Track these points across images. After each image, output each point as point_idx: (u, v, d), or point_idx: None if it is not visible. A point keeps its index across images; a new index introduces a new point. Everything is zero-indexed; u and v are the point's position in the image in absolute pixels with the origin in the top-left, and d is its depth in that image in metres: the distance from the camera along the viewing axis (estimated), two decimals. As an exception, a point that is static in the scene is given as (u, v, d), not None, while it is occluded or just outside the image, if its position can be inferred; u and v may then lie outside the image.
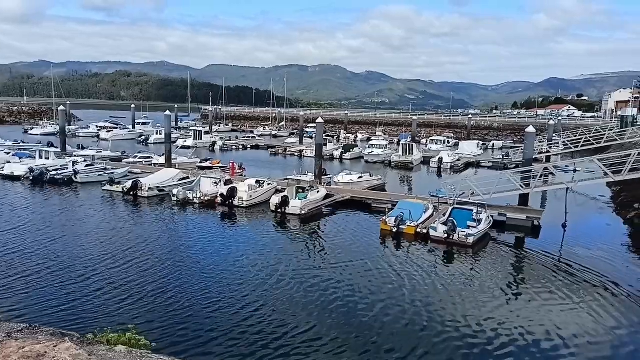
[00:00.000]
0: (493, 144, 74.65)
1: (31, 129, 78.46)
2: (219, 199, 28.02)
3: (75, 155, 40.74)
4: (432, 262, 19.44)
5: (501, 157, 54.94)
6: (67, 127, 59.23)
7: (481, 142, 69.05)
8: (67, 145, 47.07)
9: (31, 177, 33.60)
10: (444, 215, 23.85)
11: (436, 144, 66.00)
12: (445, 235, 21.50)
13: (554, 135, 56.96)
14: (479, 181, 27.98)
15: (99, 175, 34.47)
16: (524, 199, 26.49)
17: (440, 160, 49.32)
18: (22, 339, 4.22)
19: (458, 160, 51.48)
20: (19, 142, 53.75)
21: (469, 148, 59.03)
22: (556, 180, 28.86)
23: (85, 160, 37.03)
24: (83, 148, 48.29)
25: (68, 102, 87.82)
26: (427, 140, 70.94)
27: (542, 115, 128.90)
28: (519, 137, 78.72)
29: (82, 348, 4.11)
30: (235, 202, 27.72)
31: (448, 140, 70.36)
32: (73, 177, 33.91)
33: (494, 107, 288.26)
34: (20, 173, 34.66)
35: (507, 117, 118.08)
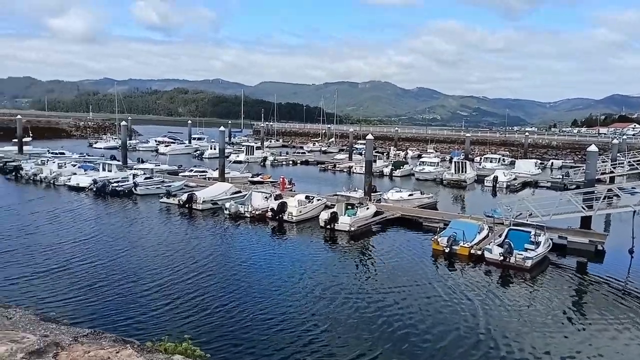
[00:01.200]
0: (552, 163, 71.47)
1: (95, 143, 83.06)
2: (269, 214, 28.39)
3: (135, 169, 42.35)
4: (486, 286, 18.68)
5: (561, 177, 52.48)
6: (128, 142, 62.16)
7: (539, 161, 66.22)
8: (128, 159, 49.34)
9: (94, 189, 35.41)
10: (500, 236, 22.93)
11: (491, 162, 63.99)
12: (501, 258, 20.64)
13: (618, 154, 53.83)
14: (537, 202, 26.82)
15: (157, 187, 35.80)
16: (586, 222, 25.11)
17: (496, 179, 47.79)
18: (87, 344, 4.37)
19: (514, 179, 49.68)
20: (84, 155, 56.75)
21: (526, 167, 56.80)
22: (622, 202, 27.13)
23: (144, 173, 38.57)
24: (143, 161, 50.24)
25: (129, 118, 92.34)
26: (480, 158, 68.95)
27: (605, 134, 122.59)
28: (579, 156, 75.14)
29: (142, 355, 4.20)
30: (285, 217, 27.97)
31: (503, 159, 68.01)
32: (133, 189, 35.43)
33: (552, 124, 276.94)
34: (84, 184, 36.66)
35: (566, 135, 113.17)
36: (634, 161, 50.30)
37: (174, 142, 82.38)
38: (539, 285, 19.10)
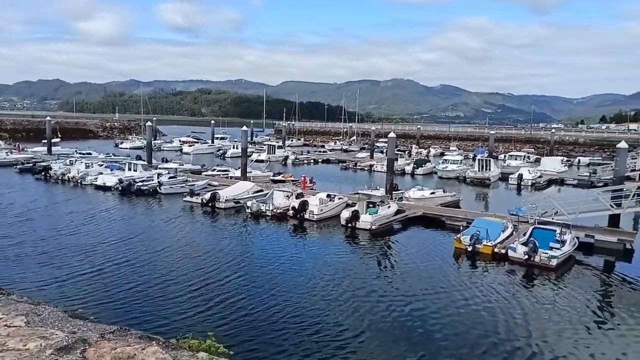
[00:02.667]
0: (579, 160, 69.81)
1: (121, 143, 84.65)
2: (290, 212, 28.53)
3: (159, 168, 42.88)
4: (511, 285, 18.41)
5: (588, 174, 51.19)
6: (153, 142, 63.23)
7: (565, 159, 64.67)
8: (152, 159, 50.19)
9: (120, 188, 36.12)
10: (524, 235, 22.55)
11: (515, 159, 62.94)
12: (526, 257, 20.30)
13: (649, 151, 52.29)
14: (563, 200, 26.29)
15: (181, 187, 36.27)
16: (614, 220, 24.50)
17: (520, 176, 46.95)
18: (114, 340, 4.50)
19: (540, 177, 48.70)
20: (111, 155, 57.77)
21: (552, 164, 55.62)
22: (653, 200, 26.40)
23: (168, 173, 39.15)
24: (167, 161, 50.85)
25: (154, 118, 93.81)
26: (505, 156, 67.86)
27: (635, 130, 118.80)
28: (608, 153, 73.08)
29: (167, 352, 4.30)
30: (306, 216, 28.07)
31: (528, 156, 66.87)
32: (158, 188, 36.01)
33: (580, 121, 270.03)
34: (111, 184, 37.44)
35: (594, 131, 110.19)
36: (665, 157, 48.75)
37: (197, 142, 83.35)
38: (564, 284, 18.73)
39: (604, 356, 12.79)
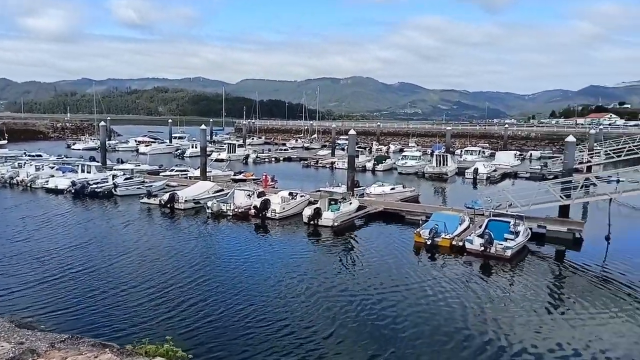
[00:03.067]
0: (531, 154, 72.70)
1: (74, 144, 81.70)
2: (252, 211, 28.31)
3: (115, 169, 41.84)
4: (468, 276, 18.96)
5: (539, 167, 53.43)
6: (107, 142, 61.35)
7: (518, 153, 67.35)
8: (107, 160, 48.67)
9: (73, 191, 34.82)
10: (480, 227, 23.27)
11: (471, 154, 64.80)
12: (482, 248, 20.96)
13: (595, 144, 55.01)
14: (516, 192, 27.29)
15: (137, 188, 35.39)
16: (564, 211, 25.63)
17: (476, 171, 48.39)
18: (64, 349, 4.33)
19: (494, 170, 50.37)
20: (62, 156, 55.69)
21: (506, 158, 57.67)
22: (598, 190, 27.82)
23: (124, 174, 38.11)
24: (122, 162, 49.55)
25: (109, 118, 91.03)
26: (461, 151, 69.74)
27: (582, 124, 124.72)
28: (557, 146, 76.49)
29: (121, 359, 4.18)
30: (268, 214, 27.93)
31: (483, 151, 69.00)
32: (113, 190, 34.95)
33: (531, 116, 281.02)
34: (63, 186, 36.02)
35: (544, 126, 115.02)
36: (610, 150, 51.40)
37: (154, 142, 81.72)
38: (518, 274, 19.46)
39: (557, 340, 13.36)
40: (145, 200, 32.03)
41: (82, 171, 39.64)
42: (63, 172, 40.64)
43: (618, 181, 29.98)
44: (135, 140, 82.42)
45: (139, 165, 47.32)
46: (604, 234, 23.36)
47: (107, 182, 36.00)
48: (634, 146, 49.20)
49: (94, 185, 34.87)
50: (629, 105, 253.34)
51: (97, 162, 46.49)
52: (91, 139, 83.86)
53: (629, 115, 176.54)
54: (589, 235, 24.24)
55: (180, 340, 10.71)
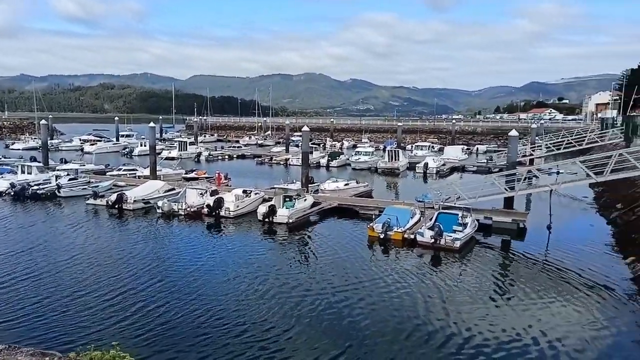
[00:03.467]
0: (477, 148, 75.36)
1: (13, 144, 77.38)
2: (205, 210, 27.82)
3: (58, 170, 40.10)
4: (419, 268, 19.47)
5: (485, 161, 55.47)
6: (49, 141, 58.50)
7: (465, 147, 69.72)
8: (49, 160, 46.46)
9: (13, 193, 32.98)
10: (431, 220, 23.94)
11: (421, 149, 66.46)
12: (432, 240, 21.58)
13: (536, 138, 57.72)
14: (464, 185, 28.21)
15: (83, 189, 34.00)
16: (509, 202, 26.76)
17: (426, 165, 49.66)
18: (0, 360, 4.11)
19: (443, 165, 51.87)
20: (0, 157, 52.81)
21: (454, 153, 59.52)
22: (540, 182, 29.21)
23: (68, 174, 36.48)
24: (66, 162, 47.59)
25: (50, 116, 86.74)
26: (412, 146, 71.39)
27: (525, 119, 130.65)
28: (502, 141, 79.69)
29: (63, 367, 4.01)
30: (222, 213, 27.54)
31: (433, 146, 70.92)
32: (56, 191, 33.40)
33: (477, 112, 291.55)
34: (1, 189, 34.03)
35: (490, 121, 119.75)
36: (550, 144, 54.14)
37: (100, 140, 78.80)
38: (467, 264, 20.17)
39: (504, 325, 13.98)
40: (91, 201, 30.79)
41: (23, 172, 37.62)
42: (1, 174, 38.37)
43: (558, 173, 31.65)
44: (80, 139, 79.07)
45: (84, 165, 45.61)
46: (545, 223, 24.64)
47: (50, 183, 34.38)
48: (572, 139, 52.12)
49: (36, 187, 33.16)
50: (567, 101, 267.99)
51: (39, 162, 44.17)
52: (32, 138, 79.57)
53: (567, 110, 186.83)
54: (532, 225, 25.46)
55: (130, 346, 10.39)
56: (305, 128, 36.02)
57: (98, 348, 5.85)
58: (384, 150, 61.75)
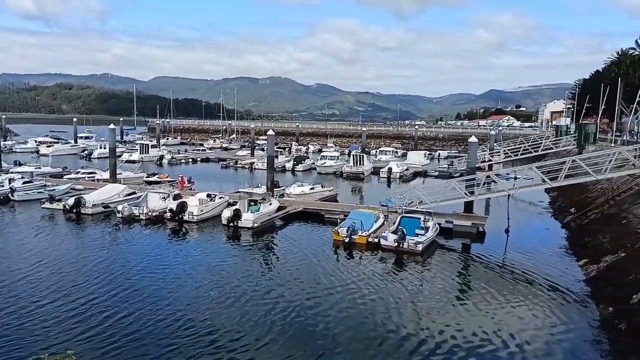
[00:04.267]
0: (439, 153, 77.09)
1: (-39, 146, 73.51)
2: (167, 214, 27.29)
3: (11, 172, 38.61)
4: (383, 271, 19.74)
5: (447, 166, 56.72)
6: (2, 143, 56.01)
7: (428, 152, 71.24)
8: (2, 162, 44.51)
9: (-39, 197, 31.41)
10: (394, 224, 24.33)
11: (385, 154, 67.33)
12: (395, 244, 21.92)
13: (495, 144, 59.50)
14: (426, 190, 28.79)
15: (38, 192, 32.74)
16: (468, 206, 27.50)
17: (390, 170, 50.37)
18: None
19: (406, 170, 52.73)
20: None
21: (417, 158, 60.60)
22: (498, 187, 30.16)
23: (22, 177, 35.06)
24: (20, 164, 45.81)
25: (3, 117, 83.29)
26: (376, 151, 72.24)
27: (484, 126, 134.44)
28: (462, 146, 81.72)
29: (18, 376, 3.90)
30: (186, 217, 27.08)
31: (396, 151, 72.02)
32: (10, 195, 32.00)
33: (439, 118, 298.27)
34: (-51, 193, 32.33)
35: (451, 127, 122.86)
36: (508, 150, 55.99)
37: (57, 142, 75.98)
38: (429, 266, 20.61)
39: (465, 327, 14.36)
40: (47, 205, 29.63)
41: (-28, 175, 35.85)
42: (-52, 177, 36.41)
43: (515, 178, 32.79)
44: (36, 141, 75.85)
45: (40, 168, 44.04)
46: (504, 227, 25.48)
47: (3, 186, 32.94)
48: (528, 146, 54.10)
49: (-14, 191, 31.67)
50: (524, 108, 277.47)
51: (-10, 164, 42.27)
52: (-18, 140, 75.93)
53: (524, 118, 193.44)
54: (491, 229, 26.27)
55: (85, 354, 10.03)
56: (271, 132, 35.93)
57: (52, 355, 5.70)
58: (349, 154, 62.24)
